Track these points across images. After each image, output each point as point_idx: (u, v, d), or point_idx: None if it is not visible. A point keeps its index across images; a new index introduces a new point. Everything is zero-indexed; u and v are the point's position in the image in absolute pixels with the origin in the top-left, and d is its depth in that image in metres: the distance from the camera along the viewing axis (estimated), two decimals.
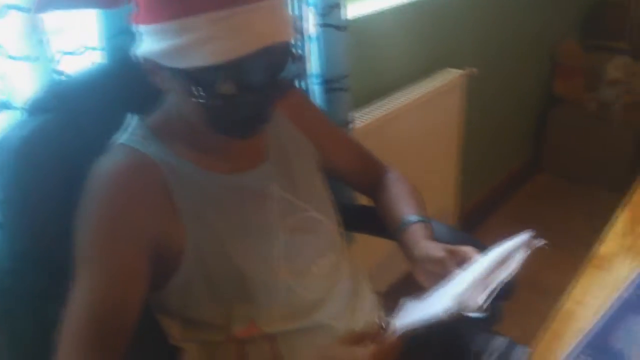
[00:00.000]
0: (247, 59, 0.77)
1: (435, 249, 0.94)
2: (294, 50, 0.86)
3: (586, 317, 0.92)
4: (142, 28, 0.82)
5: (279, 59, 0.82)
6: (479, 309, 0.75)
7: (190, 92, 0.81)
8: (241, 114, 0.85)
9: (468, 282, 0.78)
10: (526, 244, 0.82)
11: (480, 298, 0.75)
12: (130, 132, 0.92)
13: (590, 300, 0.97)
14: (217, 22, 0.76)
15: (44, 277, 0.96)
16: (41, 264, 0.95)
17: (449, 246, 0.93)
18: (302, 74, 0.89)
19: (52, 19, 0.98)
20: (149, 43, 0.81)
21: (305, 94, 1.18)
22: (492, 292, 0.77)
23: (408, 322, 0.80)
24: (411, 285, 0.96)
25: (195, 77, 0.79)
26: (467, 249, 0.91)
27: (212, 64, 0.76)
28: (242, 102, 0.82)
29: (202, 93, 0.80)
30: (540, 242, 0.82)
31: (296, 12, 1.35)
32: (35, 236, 0.93)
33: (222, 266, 0.90)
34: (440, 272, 0.90)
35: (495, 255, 0.82)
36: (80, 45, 1.05)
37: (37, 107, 0.94)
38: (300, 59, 1.37)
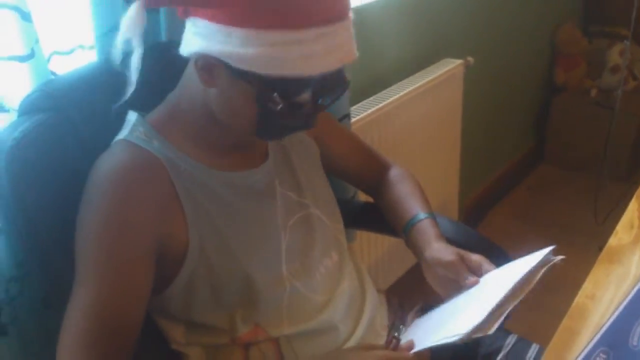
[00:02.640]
0: (331, 73, 0.78)
1: (446, 252, 0.93)
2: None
3: (600, 312, 0.90)
4: (216, 27, 0.76)
5: (343, 73, 0.84)
6: (490, 330, 0.76)
7: (259, 97, 0.79)
8: (296, 122, 0.85)
9: (482, 306, 0.78)
10: (545, 261, 0.82)
11: (494, 324, 0.77)
12: (131, 128, 0.89)
13: (603, 294, 0.94)
14: (322, 38, 0.75)
15: (46, 285, 0.94)
16: (41, 270, 0.93)
17: (460, 250, 0.93)
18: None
19: (44, 17, 0.96)
20: (221, 43, 0.76)
21: None
22: (506, 314, 0.78)
23: (422, 343, 0.81)
24: (412, 283, 0.95)
25: (275, 84, 0.77)
26: (478, 258, 0.91)
27: (307, 75, 0.77)
28: (304, 112, 0.82)
29: (277, 100, 0.79)
30: (559, 258, 0.81)
31: None
32: (33, 241, 0.90)
33: (227, 266, 0.88)
34: (451, 277, 0.90)
35: (512, 276, 0.82)
36: (72, 44, 1.02)
37: (29, 108, 0.91)
38: None
